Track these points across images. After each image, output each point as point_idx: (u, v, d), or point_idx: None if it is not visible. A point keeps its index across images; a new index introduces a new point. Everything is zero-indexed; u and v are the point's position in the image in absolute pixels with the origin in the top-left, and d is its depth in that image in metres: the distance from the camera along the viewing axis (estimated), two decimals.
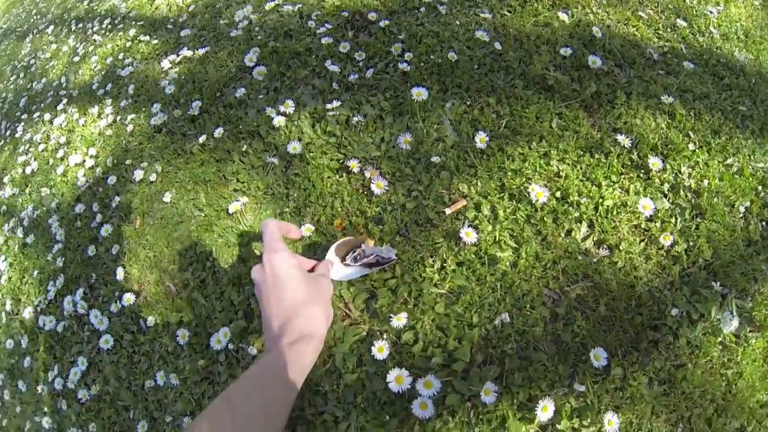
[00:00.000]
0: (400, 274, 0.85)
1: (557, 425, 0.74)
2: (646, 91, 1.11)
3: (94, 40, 1.88)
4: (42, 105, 1.82)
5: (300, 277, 0.66)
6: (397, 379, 0.75)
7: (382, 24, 1.27)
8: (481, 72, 1.13)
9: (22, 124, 1.84)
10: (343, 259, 0.83)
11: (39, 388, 1.25)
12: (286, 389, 0.58)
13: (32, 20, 2.66)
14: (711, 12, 1.43)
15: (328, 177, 0.97)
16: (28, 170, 1.62)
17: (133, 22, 1.82)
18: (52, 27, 2.32)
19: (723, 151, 1.03)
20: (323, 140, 1.03)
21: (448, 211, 0.89)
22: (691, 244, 0.89)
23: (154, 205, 1.19)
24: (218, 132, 1.15)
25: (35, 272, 1.38)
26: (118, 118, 1.47)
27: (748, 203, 0.97)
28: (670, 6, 1.41)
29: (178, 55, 1.50)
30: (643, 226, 0.90)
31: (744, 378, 0.83)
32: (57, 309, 1.27)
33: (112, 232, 1.21)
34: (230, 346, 0.90)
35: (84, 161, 1.45)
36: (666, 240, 0.88)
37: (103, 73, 1.69)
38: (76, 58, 1.87)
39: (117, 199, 1.26)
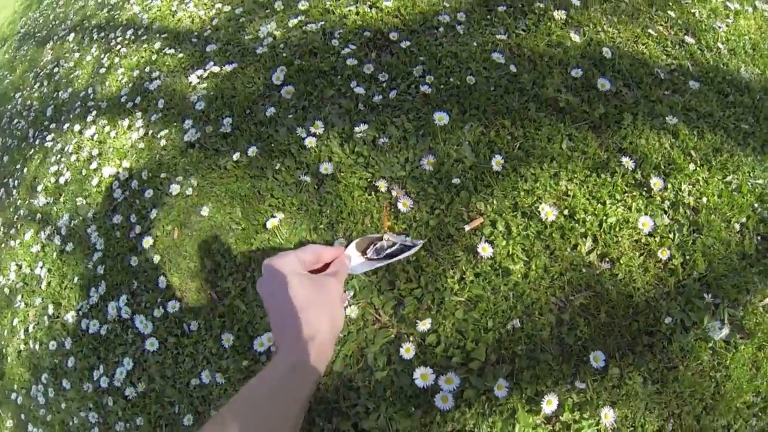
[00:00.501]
0: (424, 284, 1.03)
1: (560, 417, 0.91)
2: (651, 112, 1.27)
3: (119, 51, 2.07)
4: (70, 115, 2.02)
5: (298, 279, 0.62)
6: (422, 376, 0.93)
7: (403, 45, 1.44)
8: (497, 94, 1.29)
9: (52, 134, 2.04)
10: (364, 253, 0.82)
11: (84, 386, 1.44)
12: (287, 402, 0.55)
13: (51, 26, 2.88)
14: (720, 26, 1.58)
15: (359, 195, 1.15)
16: (61, 180, 1.82)
17: (157, 34, 2.01)
18: (72, 35, 2.52)
19: (723, 168, 1.19)
20: (352, 160, 1.21)
21: (467, 227, 1.06)
22: (687, 257, 1.06)
23: (191, 217, 1.38)
24: (252, 150, 1.33)
25: (75, 278, 1.58)
26: (150, 131, 1.66)
27: (744, 219, 1.13)
28: (680, 21, 1.56)
29: (205, 70, 1.68)
30: (643, 241, 1.06)
31: (732, 380, 0.99)
32: (99, 313, 1.46)
33: (152, 243, 1.40)
34: (273, 349, 1.08)
35: (118, 173, 1.64)
36: (664, 254, 1.04)
37: (130, 85, 1.88)
38: (102, 69, 2.06)
39: (154, 211, 1.45)
